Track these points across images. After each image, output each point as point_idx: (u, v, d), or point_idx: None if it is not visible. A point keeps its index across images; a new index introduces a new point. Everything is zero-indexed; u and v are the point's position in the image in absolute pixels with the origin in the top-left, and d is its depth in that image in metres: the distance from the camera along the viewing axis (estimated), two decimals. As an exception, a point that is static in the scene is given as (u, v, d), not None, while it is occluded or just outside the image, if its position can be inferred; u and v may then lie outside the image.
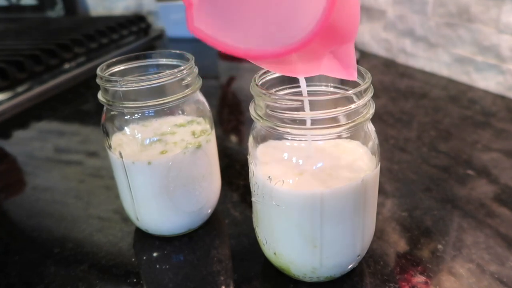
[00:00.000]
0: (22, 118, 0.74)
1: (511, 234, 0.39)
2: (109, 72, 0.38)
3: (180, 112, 0.39)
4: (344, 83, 0.33)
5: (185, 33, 1.12)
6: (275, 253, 0.34)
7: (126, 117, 0.39)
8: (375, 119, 0.39)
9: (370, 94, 0.29)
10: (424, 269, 0.36)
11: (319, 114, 0.28)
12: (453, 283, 0.34)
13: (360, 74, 0.31)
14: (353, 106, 0.28)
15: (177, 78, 0.36)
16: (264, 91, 0.29)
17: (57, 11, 1.29)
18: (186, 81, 0.37)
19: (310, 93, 0.34)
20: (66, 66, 0.91)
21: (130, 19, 1.13)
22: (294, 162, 0.32)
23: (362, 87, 0.29)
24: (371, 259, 0.37)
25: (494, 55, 0.67)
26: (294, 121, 0.28)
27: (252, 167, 0.33)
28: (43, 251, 0.41)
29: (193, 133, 0.39)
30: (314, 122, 0.28)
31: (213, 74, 0.93)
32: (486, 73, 0.69)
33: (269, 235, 0.34)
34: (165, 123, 0.39)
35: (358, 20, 0.26)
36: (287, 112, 0.28)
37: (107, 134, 0.38)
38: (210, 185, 0.41)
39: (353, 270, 0.36)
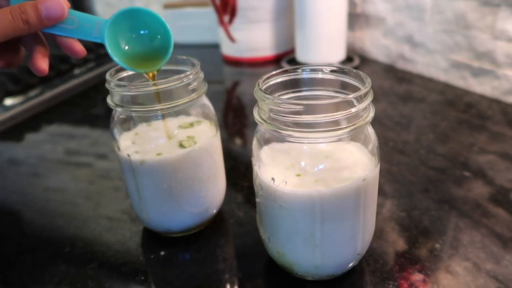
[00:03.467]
0: (33, 121, 0.75)
1: (506, 234, 0.40)
2: (118, 77, 0.39)
3: (186, 115, 0.40)
4: (345, 88, 0.33)
5: (191, 39, 1.13)
6: (278, 252, 0.35)
7: (134, 120, 0.40)
8: (375, 123, 0.39)
9: (370, 98, 0.30)
10: (422, 267, 0.36)
11: (321, 117, 0.28)
12: (450, 281, 0.35)
13: (360, 79, 0.32)
14: (353, 110, 0.29)
15: (183, 83, 0.36)
16: (267, 96, 0.30)
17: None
18: (192, 85, 0.37)
19: (312, 98, 0.35)
20: (76, 71, 0.92)
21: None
22: (296, 164, 0.32)
23: (362, 91, 0.30)
24: (371, 258, 0.38)
25: (490, 60, 0.68)
26: (296, 124, 0.29)
27: (256, 169, 0.34)
28: (54, 250, 0.42)
29: (199, 134, 0.39)
30: (316, 125, 0.29)
31: (218, 79, 0.93)
32: (482, 78, 0.70)
33: (272, 234, 0.35)
34: (172, 125, 0.40)
35: None
36: (289, 115, 0.29)
37: (115, 137, 0.39)
38: (215, 186, 0.42)
39: (353, 268, 0.37)
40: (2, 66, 0.32)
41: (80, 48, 0.33)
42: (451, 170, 0.51)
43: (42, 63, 0.32)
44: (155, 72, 0.36)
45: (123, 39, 0.33)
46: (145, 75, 0.36)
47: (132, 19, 0.33)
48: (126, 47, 0.33)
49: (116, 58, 0.33)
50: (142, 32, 0.34)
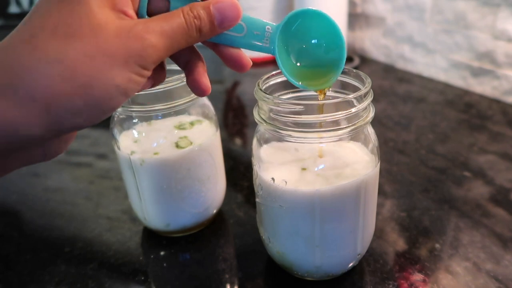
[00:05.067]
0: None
1: (506, 234, 0.40)
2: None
3: (186, 114, 0.40)
4: (345, 88, 0.33)
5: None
6: (278, 252, 0.35)
7: (134, 120, 0.40)
8: (375, 123, 0.39)
9: (370, 98, 0.30)
10: (422, 267, 0.36)
11: (321, 117, 0.29)
12: (450, 281, 0.35)
13: (360, 79, 0.32)
14: (353, 110, 0.29)
15: (183, 83, 0.36)
16: (267, 96, 0.30)
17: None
18: (192, 85, 0.38)
19: (312, 98, 0.35)
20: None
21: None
22: (296, 163, 0.32)
23: (362, 91, 0.30)
24: (371, 258, 0.38)
25: (490, 60, 0.68)
26: (296, 124, 0.29)
27: (256, 169, 0.34)
28: (54, 250, 0.42)
29: (199, 134, 0.39)
30: (316, 125, 0.29)
31: (218, 78, 0.93)
32: (482, 78, 0.70)
33: (272, 234, 0.35)
34: (172, 125, 0.40)
35: None
36: (289, 115, 0.29)
37: (115, 137, 0.39)
38: (215, 186, 0.42)
39: (353, 268, 0.37)
40: (149, 86, 0.27)
41: (248, 61, 0.27)
42: (451, 170, 0.51)
43: (206, 80, 0.27)
44: (326, 90, 0.31)
45: (293, 51, 0.28)
46: (316, 92, 0.31)
47: (302, 23, 0.28)
48: (298, 64, 0.29)
49: (287, 74, 0.28)
50: (313, 41, 0.28)
